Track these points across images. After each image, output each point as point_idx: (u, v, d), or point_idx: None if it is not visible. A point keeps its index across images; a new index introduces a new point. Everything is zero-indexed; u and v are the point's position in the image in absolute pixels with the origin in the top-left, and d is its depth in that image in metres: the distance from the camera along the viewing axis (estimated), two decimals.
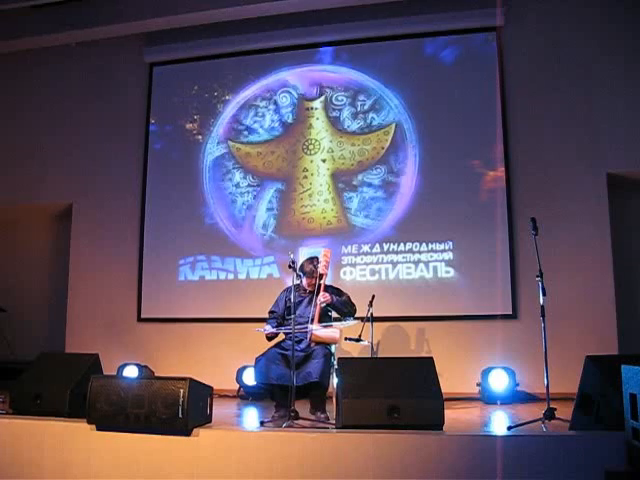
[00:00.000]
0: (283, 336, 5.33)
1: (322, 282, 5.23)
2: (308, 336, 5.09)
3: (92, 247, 7.98)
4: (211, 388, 4.31)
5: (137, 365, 6.96)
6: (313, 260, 5.41)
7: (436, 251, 7.03)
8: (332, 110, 7.56)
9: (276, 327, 5.30)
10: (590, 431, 3.84)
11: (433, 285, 7.00)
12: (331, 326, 5.27)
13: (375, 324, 6.04)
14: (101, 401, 4.00)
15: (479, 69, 7.22)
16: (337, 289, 5.54)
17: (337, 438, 3.81)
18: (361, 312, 5.86)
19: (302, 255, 6.61)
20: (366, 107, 7.46)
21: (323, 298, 5.19)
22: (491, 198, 6.96)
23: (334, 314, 5.48)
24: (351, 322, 5.40)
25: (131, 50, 8.18)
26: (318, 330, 5.10)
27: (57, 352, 7.46)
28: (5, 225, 8.80)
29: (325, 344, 5.12)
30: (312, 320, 5.16)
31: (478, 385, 6.33)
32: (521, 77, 7.10)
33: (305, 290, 5.44)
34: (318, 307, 5.19)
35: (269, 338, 5.30)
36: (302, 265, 5.44)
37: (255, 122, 7.77)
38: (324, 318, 5.32)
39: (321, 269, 5.24)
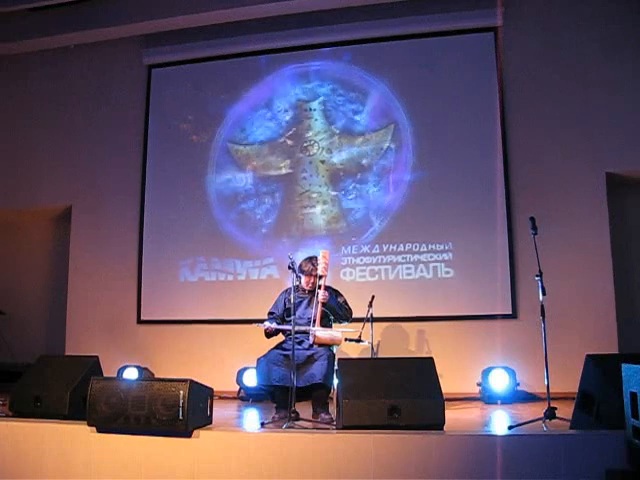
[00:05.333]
0: (283, 337, 5.32)
1: (322, 283, 5.21)
2: (311, 338, 5.08)
3: (91, 249, 7.98)
4: (211, 389, 4.31)
5: (137, 367, 6.97)
6: (312, 259, 5.39)
7: (436, 251, 7.03)
8: (331, 111, 7.55)
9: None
10: (591, 430, 3.84)
11: (433, 285, 7.00)
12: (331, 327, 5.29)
13: (375, 324, 6.04)
14: (101, 403, 4.00)
15: (478, 69, 7.22)
16: (335, 290, 5.50)
17: (337, 439, 3.81)
18: (361, 313, 5.87)
19: (302, 256, 6.61)
20: (365, 107, 7.45)
21: (322, 295, 5.16)
22: (490, 198, 6.95)
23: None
24: (352, 329, 5.46)
25: (130, 52, 8.18)
26: (321, 332, 5.09)
27: (57, 354, 7.47)
28: (5, 227, 8.79)
29: (328, 345, 5.12)
30: (314, 322, 5.15)
31: (478, 385, 6.34)
32: (520, 77, 7.10)
33: (304, 291, 5.43)
34: (320, 308, 5.17)
35: (268, 335, 5.26)
36: (300, 265, 5.39)
37: (254, 123, 7.76)
38: (325, 320, 5.29)
39: (320, 271, 5.19)
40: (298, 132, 7.62)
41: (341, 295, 5.47)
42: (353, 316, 5.48)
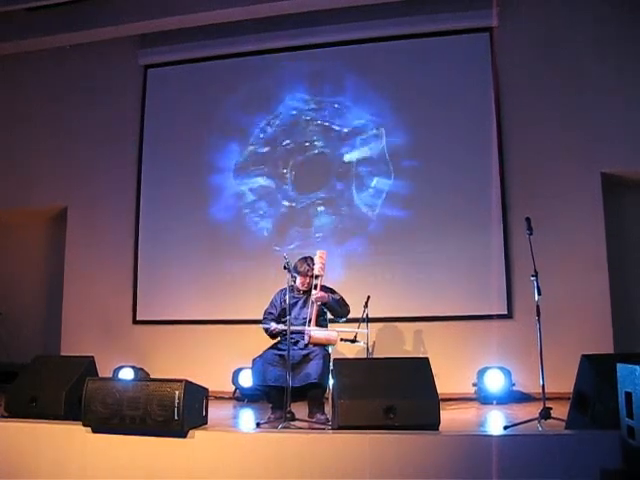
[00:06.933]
0: (279, 337, 5.32)
1: (318, 283, 5.20)
2: (306, 338, 5.08)
3: (87, 250, 7.96)
4: (207, 390, 4.31)
5: (133, 367, 6.96)
6: (307, 259, 5.40)
7: (432, 252, 7.03)
8: (328, 111, 7.54)
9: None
10: (586, 430, 3.85)
11: (428, 285, 7.00)
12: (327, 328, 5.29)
13: (371, 325, 6.03)
14: (97, 403, 4.00)
15: (473, 69, 7.23)
16: (330, 289, 5.49)
17: (333, 439, 3.81)
18: (357, 313, 5.86)
19: (298, 256, 6.61)
20: (361, 108, 7.44)
21: (318, 295, 5.16)
22: (486, 198, 6.95)
23: (329, 315, 5.46)
24: (349, 329, 5.43)
25: (126, 52, 8.16)
26: (316, 331, 5.09)
27: (52, 355, 7.44)
28: (0, 227, 8.76)
29: (323, 345, 5.11)
30: (310, 321, 5.14)
31: (474, 385, 6.34)
32: (515, 77, 7.10)
33: (299, 291, 5.42)
34: (315, 308, 5.17)
35: (274, 335, 5.25)
36: (296, 265, 5.39)
37: (251, 124, 7.74)
38: (320, 319, 5.29)
39: (317, 270, 5.20)
40: (295, 132, 7.61)
41: (336, 292, 5.47)
42: (349, 317, 5.49)
